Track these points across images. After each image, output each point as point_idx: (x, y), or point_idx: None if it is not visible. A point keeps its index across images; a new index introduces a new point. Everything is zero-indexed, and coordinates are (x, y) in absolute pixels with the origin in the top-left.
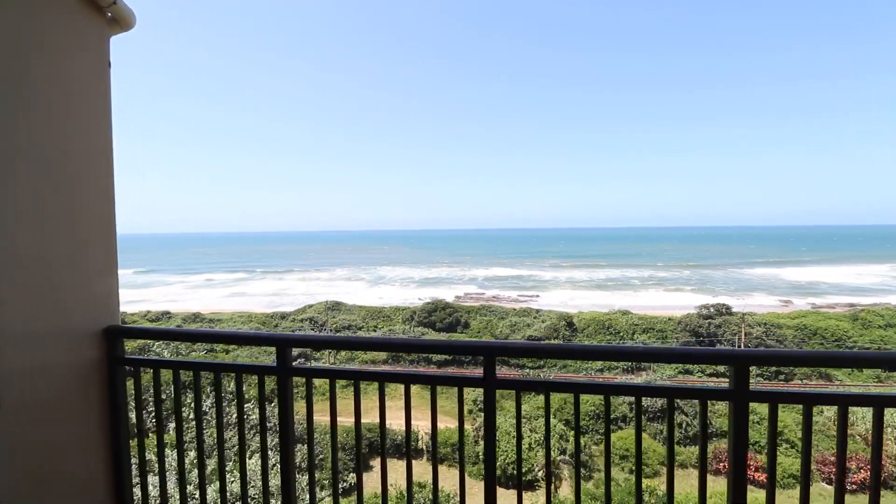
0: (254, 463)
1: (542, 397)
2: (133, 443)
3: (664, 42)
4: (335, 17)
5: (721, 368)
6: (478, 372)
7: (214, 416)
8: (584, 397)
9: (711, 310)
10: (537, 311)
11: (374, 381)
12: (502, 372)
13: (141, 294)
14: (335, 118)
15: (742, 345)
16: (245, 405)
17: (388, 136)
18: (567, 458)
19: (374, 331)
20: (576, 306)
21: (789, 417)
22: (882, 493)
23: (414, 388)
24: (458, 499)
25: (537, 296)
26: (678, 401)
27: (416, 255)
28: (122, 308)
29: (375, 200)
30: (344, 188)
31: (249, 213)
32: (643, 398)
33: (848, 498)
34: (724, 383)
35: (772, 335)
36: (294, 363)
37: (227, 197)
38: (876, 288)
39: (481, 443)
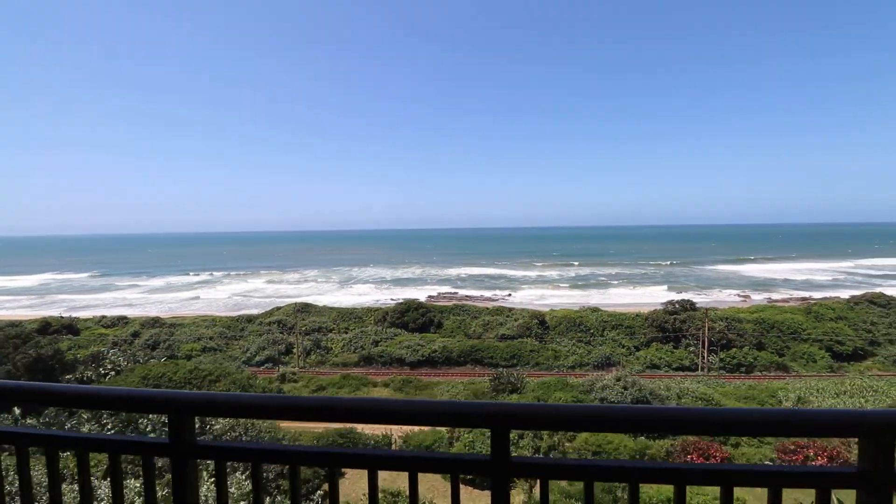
0: None
1: (516, 396)
2: None
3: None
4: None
5: (686, 362)
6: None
7: None
8: (556, 394)
9: (677, 306)
10: (510, 309)
11: (320, 465)
12: (477, 370)
13: (97, 298)
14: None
15: (706, 339)
16: None
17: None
18: (541, 456)
19: (346, 332)
20: (548, 304)
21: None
22: None
23: (387, 390)
24: None
25: (510, 294)
26: (647, 395)
27: (388, 255)
28: (76, 314)
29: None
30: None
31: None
32: (611, 391)
33: None
34: (696, 376)
35: (733, 329)
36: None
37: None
38: (826, 283)
39: (455, 444)
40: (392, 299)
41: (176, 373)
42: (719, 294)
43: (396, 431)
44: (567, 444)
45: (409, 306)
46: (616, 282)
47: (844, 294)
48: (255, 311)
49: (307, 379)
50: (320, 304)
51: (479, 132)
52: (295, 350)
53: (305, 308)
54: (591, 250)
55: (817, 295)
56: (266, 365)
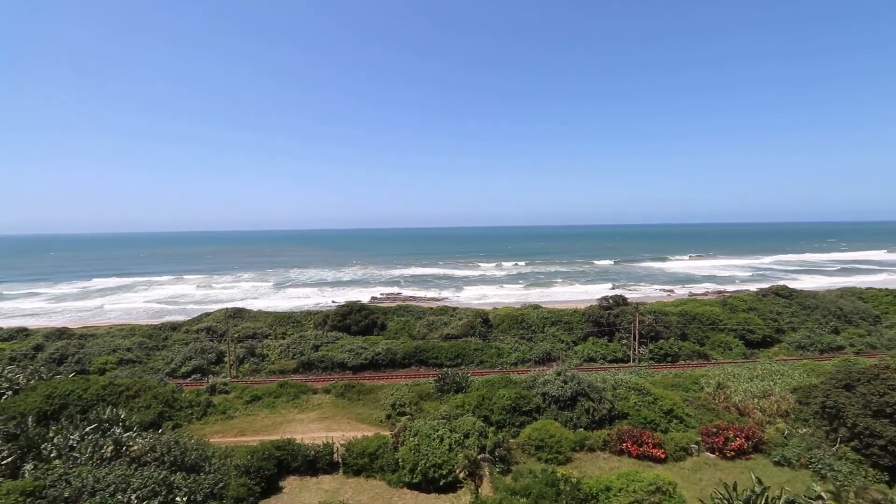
0: None
1: (461, 395)
2: None
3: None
4: None
5: (619, 354)
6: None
7: None
8: (500, 391)
9: (610, 301)
10: (454, 309)
11: None
12: (422, 371)
13: None
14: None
15: (637, 332)
16: None
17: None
18: (487, 455)
19: (283, 338)
20: (491, 303)
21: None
22: (754, 456)
23: (328, 397)
24: None
25: (454, 294)
26: (586, 387)
27: (330, 256)
28: None
29: (284, 198)
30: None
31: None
32: (552, 385)
33: (726, 463)
34: (629, 367)
35: (660, 322)
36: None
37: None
38: (734, 277)
39: (400, 449)
40: (333, 301)
41: (87, 389)
42: (646, 289)
43: (339, 439)
44: (511, 441)
45: (352, 308)
46: (558, 280)
47: (752, 287)
48: (180, 318)
49: (240, 389)
50: (255, 309)
51: (416, 128)
52: (227, 358)
53: (238, 313)
54: (534, 249)
55: (731, 288)
56: (194, 376)
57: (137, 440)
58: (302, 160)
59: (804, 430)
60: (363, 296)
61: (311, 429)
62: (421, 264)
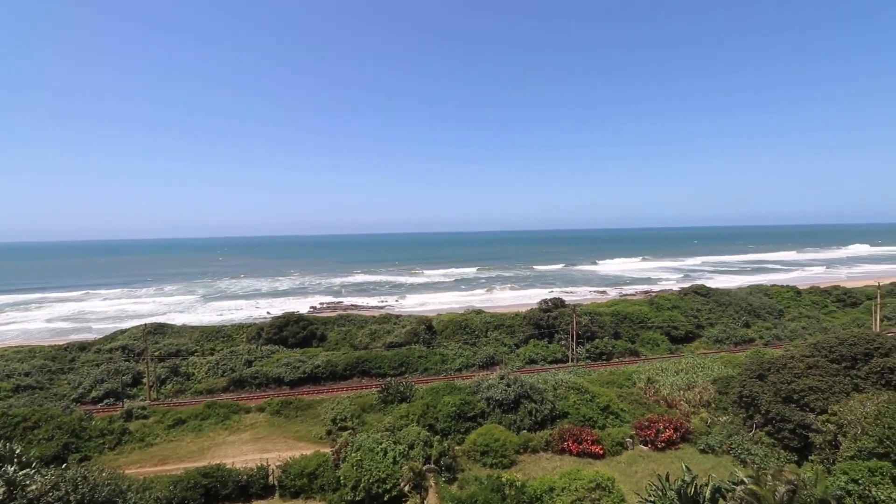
0: None
1: (406, 405)
2: None
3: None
4: None
5: (559, 355)
6: None
7: None
8: (444, 399)
9: (550, 304)
10: (398, 316)
11: None
12: (364, 383)
13: None
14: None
15: (574, 333)
16: None
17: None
18: (432, 465)
19: (212, 354)
20: (435, 309)
21: (612, 392)
22: (682, 446)
23: (263, 415)
24: None
25: (398, 301)
26: (528, 390)
27: (265, 264)
28: None
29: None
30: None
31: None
32: (496, 389)
33: (658, 454)
34: (568, 367)
35: (595, 322)
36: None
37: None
38: (657, 277)
39: (342, 466)
40: (269, 313)
41: None
42: (581, 291)
43: (275, 460)
44: (457, 448)
45: (289, 319)
46: (499, 284)
47: (675, 287)
48: (90, 336)
49: (161, 413)
50: (179, 324)
51: (348, 133)
52: (146, 380)
53: (160, 329)
54: (478, 255)
55: (655, 288)
56: (107, 401)
57: (36, 478)
58: (231, 164)
59: (724, 418)
60: (302, 306)
61: (243, 451)
62: (364, 271)
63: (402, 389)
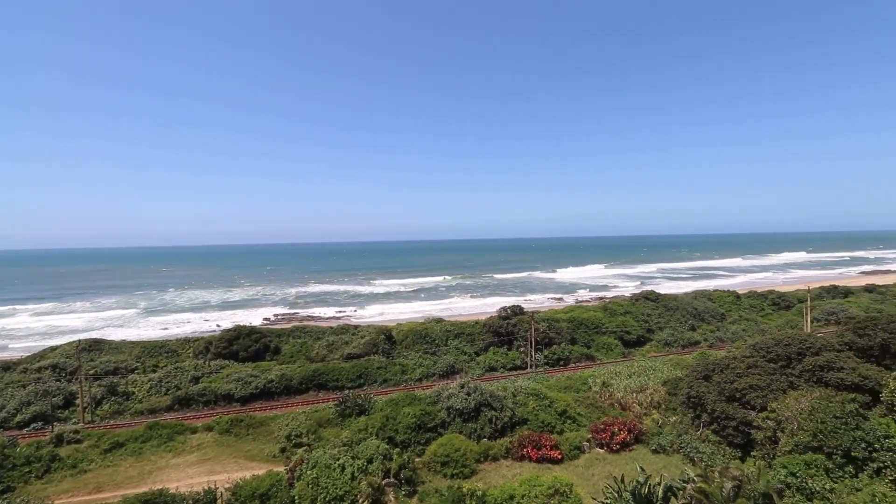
0: None
1: (364, 418)
2: None
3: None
4: None
5: (518, 362)
6: None
7: None
8: (404, 410)
9: (509, 311)
10: (356, 326)
11: None
12: (321, 396)
13: None
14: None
15: (533, 339)
16: None
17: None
18: (392, 479)
19: (154, 371)
20: (395, 318)
21: (569, 397)
22: (636, 447)
23: (211, 435)
24: None
25: (357, 311)
26: (488, 397)
27: (215, 274)
28: None
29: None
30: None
31: None
32: (456, 399)
33: (614, 456)
34: (527, 374)
35: (553, 328)
36: None
37: None
38: (610, 284)
39: (297, 485)
40: (218, 326)
41: None
42: (542, 298)
43: (224, 482)
44: (417, 460)
45: (240, 332)
46: (458, 293)
47: (627, 292)
48: (15, 355)
49: (97, 436)
50: (117, 339)
51: (318, 138)
52: (79, 401)
53: (96, 345)
54: (439, 263)
55: (609, 294)
56: (34, 425)
57: None
58: (180, 170)
59: (674, 418)
60: (255, 318)
61: (189, 474)
62: (322, 281)
63: (360, 402)
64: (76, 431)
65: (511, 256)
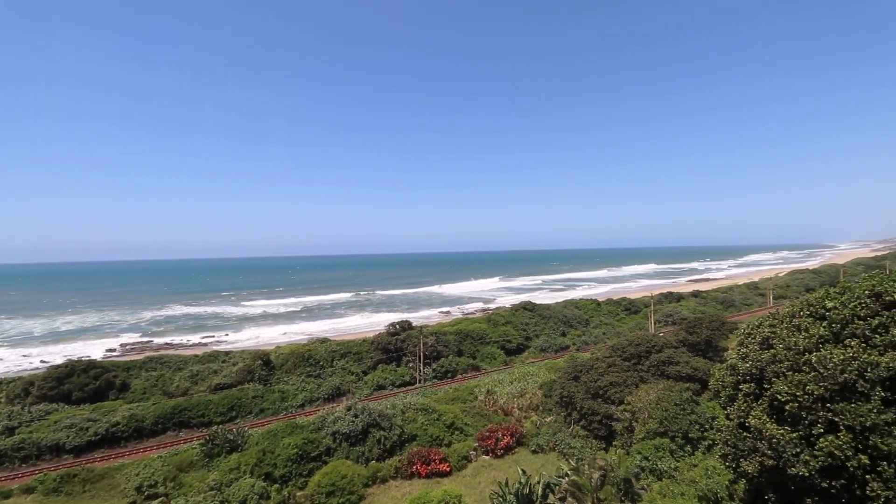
0: None
1: (237, 455)
2: None
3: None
4: None
5: (407, 377)
6: None
7: None
8: (284, 441)
9: (398, 327)
10: (227, 353)
11: None
12: (183, 436)
13: None
14: None
15: (422, 354)
16: None
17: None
18: None
19: None
20: (274, 341)
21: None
22: (518, 450)
23: (32, 498)
24: None
25: (227, 335)
26: (377, 417)
27: (37, 297)
28: None
29: None
30: None
31: None
32: (343, 422)
33: (498, 461)
34: (416, 389)
35: (441, 342)
36: None
37: None
38: (496, 296)
39: None
40: (43, 362)
41: None
42: (430, 312)
43: None
44: (300, 493)
45: (74, 369)
46: (342, 310)
47: (507, 303)
48: None
49: None
50: None
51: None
52: None
53: None
54: (320, 279)
55: (491, 306)
56: None
57: None
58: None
59: (550, 418)
60: (95, 350)
61: None
62: (185, 302)
63: (231, 438)
64: None
65: (404, 272)
